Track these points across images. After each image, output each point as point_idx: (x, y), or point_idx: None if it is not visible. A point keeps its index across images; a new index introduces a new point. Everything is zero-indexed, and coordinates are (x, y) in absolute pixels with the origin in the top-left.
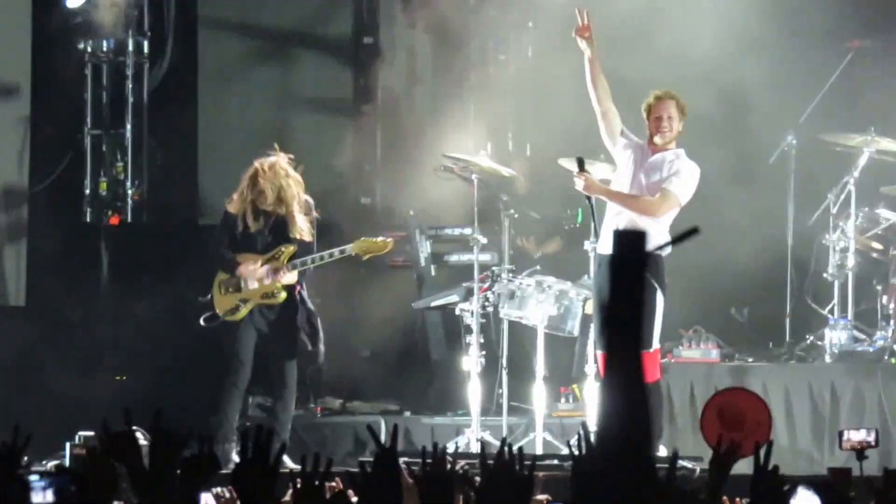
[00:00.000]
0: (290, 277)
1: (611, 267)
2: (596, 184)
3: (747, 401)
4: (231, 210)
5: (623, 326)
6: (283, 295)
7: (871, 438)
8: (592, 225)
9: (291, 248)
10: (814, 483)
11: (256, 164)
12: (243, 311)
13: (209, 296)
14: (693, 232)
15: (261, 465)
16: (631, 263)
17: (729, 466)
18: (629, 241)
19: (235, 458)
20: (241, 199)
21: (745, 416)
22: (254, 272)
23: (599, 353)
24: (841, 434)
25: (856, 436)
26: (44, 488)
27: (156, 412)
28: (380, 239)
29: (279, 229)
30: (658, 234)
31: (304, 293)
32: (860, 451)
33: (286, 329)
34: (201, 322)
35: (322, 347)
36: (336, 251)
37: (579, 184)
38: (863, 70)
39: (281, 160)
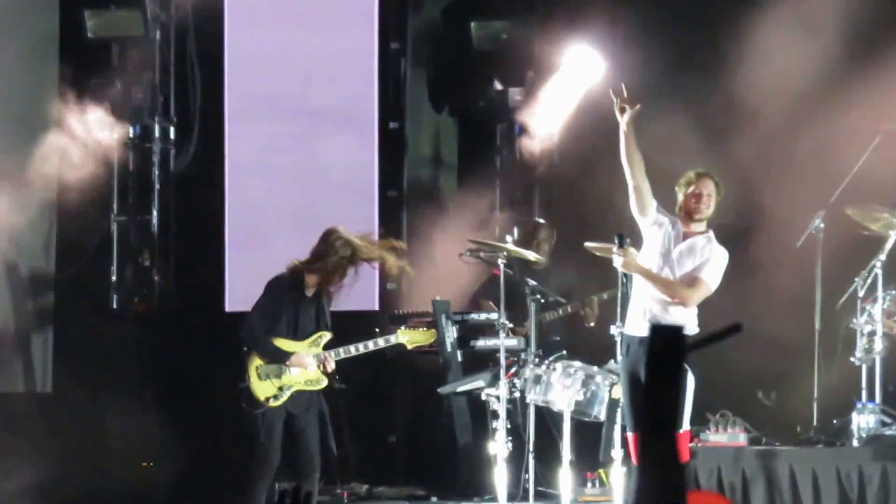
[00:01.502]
0: (331, 365)
1: (648, 364)
2: (635, 261)
3: (702, 500)
4: (308, 291)
5: (661, 420)
6: (325, 382)
7: None
8: (619, 306)
9: (329, 335)
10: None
11: (357, 238)
12: (284, 398)
13: (246, 383)
14: (735, 329)
15: None
16: (669, 359)
17: None
18: (667, 337)
19: None
20: (327, 275)
21: None
22: (302, 360)
23: (630, 434)
24: None
25: None
26: None
27: None
28: (424, 329)
29: (320, 313)
30: (687, 313)
31: None
32: None
33: (313, 414)
34: (245, 408)
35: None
36: (381, 340)
37: (618, 261)
38: (891, 152)
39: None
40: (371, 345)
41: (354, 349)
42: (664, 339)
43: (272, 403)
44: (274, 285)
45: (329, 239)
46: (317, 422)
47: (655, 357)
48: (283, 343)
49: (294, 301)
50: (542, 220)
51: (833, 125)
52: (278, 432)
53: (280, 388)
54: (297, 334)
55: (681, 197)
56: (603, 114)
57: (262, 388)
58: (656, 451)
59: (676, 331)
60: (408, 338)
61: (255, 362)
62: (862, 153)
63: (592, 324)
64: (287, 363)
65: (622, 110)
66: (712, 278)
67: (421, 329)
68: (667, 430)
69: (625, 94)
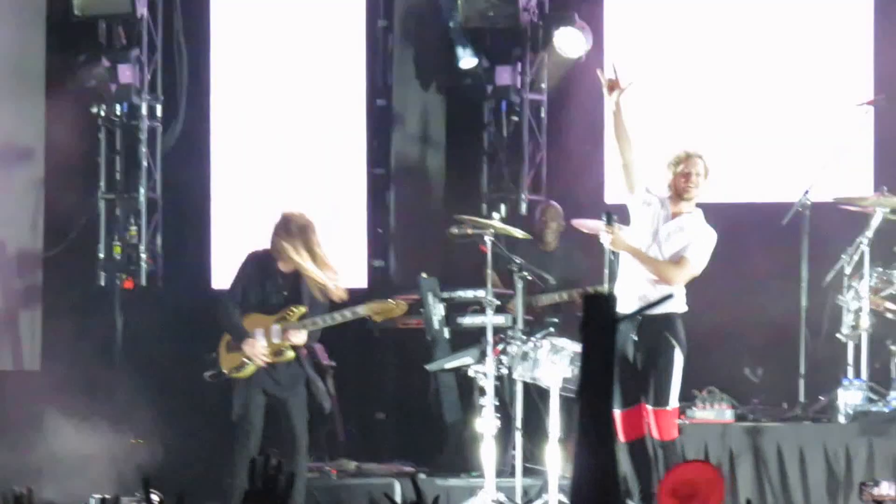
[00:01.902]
0: (300, 337)
1: (582, 330)
2: (623, 240)
3: (691, 470)
4: (283, 267)
5: (596, 389)
6: (291, 354)
7: (893, 492)
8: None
9: (302, 309)
10: None
11: (306, 216)
12: (249, 370)
13: (215, 354)
14: (665, 298)
15: (269, 496)
16: (602, 326)
17: None
18: (600, 305)
19: None
20: (294, 253)
21: (695, 483)
22: (264, 331)
23: (617, 411)
24: (862, 486)
25: (877, 489)
26: None
27: (144, 482)
28: (392, 301)
29: (295, 288)
30: (675, 297)
31: (319, 356)
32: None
33: (295, 390)
34: (206, 377)
35: (326, 405)
36: (348, 312)
37: (606, 238)
38: (877, 127)
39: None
40: (338, 317)
41: (322, 321)
42: (597, 306)
43: (235, 374)
44: (248, 260)
45: (281, 222)
46: (303, 401)
47: (588, 326)
48: (253, 317)
49: (268, 276)
50: (552, 202)
51: (816, 100)
52: (255, 410)
53: (244, 361)
54: (267, 309)
55: (670, 176)
56: (593, 90)
57: (228, 359)
58: (589, 424)
59: (609, 298)
60: (377, 309)
61: (227, 335)
62: (846, 128)
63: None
64: (245, 343)
65: (611, 89)
66: (699, 258)
67: (387, 301)
68: (603, 402)
69: (615, 73)
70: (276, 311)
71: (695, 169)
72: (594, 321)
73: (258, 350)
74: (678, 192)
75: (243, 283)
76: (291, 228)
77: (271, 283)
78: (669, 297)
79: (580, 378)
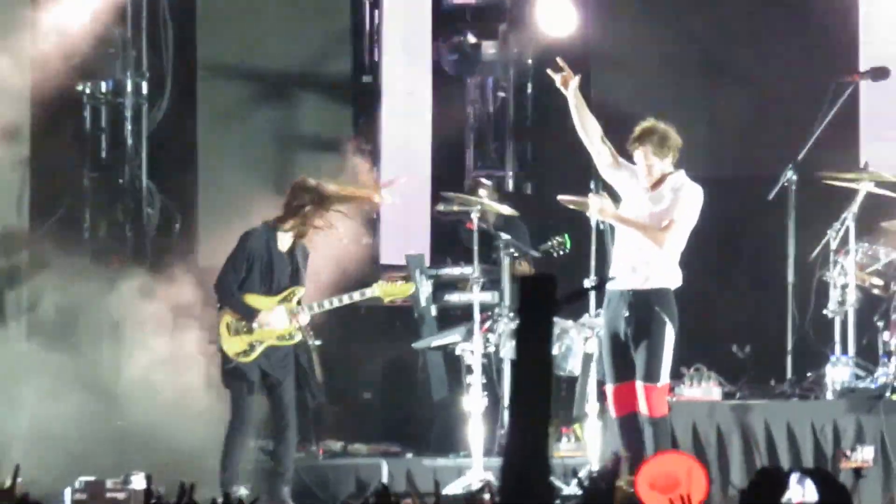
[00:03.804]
0: (304, 319)
1: (520, 311)
2: (611, 208)
3: (666, 461)
4: (283, 246)
5: (531, 372)
6: (300, 336)
7: (870, 458)
8: (592, 260)
9: (303, 290)
10: (806, 470)
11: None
12: (257, 353)
13: (219, 339)
14: (606, 281)
15: None
16: (540, 308)
17: None
18: (537, 287)
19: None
20: (300, 226)
21: (674, 474)
22: (271, 315)
23: (609, 386)
24: (838, 454)
25: (853, 456)
26: None
27: (147, 479)
28: (400, 283)
29: (294, 269)
30: (669, 263)
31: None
32: (858, 471)
33: (288, 370)
34: (225, 369)
35: (313, 385)
36: (356, 294)
37: (594, 205)
38: (862, 104)
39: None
40: (346, 298)
41: (329, 303)
42: (535, 288)
43: (242, 359)
44: (246, 239)
45: (296, 188)
46: (293, 380)
47: (526, 308)
48: (254, 298)
49: (267, 255)
50: (482, 179)
51: (803, 75)
52: (252, 389)
53: (251, 344)
54: (270, 289)
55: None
56: (580, 66)
57: (232, 343)
58: (524, 406)
59: (548, 279)
60: (384, 291)
61: (226, 318)
62: (831, 105)
63: None
64: (256, 319)
65: (564, 84)
66: (686, 217)
67: (397, 282)
68: (537, 383)
69: (564, 68)
70: (278, 292)
71: (645, 160)
72: (531, 303)
73: (271, 332)
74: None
75: (243, 263)
76: (302, 191)
77: (272, 262)
78: (611, 279)
79: (516, 357)
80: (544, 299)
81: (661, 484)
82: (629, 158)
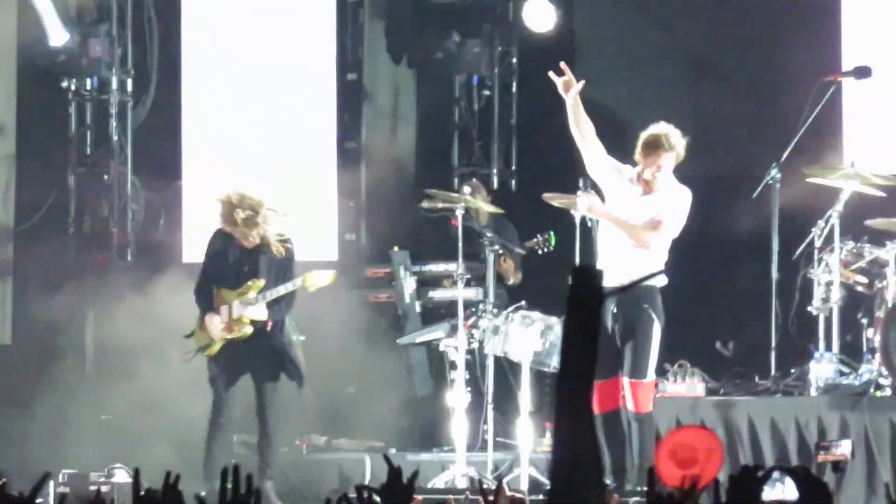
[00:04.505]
0: (256, 311)
1: (568, 304)
2: (599, 206)
3: (693, 435)
4: (247, 243)
5: (578, 364)
6: (249, 330)
7: (847, 452)
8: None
9: (260, 283)
10: (787, 469)
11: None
12: (216, 347)
13: (192, 332)
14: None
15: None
16: (588, 300)
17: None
18: (587, 279)
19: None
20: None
21: (696, 450)
22: (227, 307)
23: (596, 383)
24: (818, 447)
25: (831, 449)
26: None
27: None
28: (324, 272)
29: (254, 263)
30: (656, 264)
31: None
32: (836, 465)
33: (265, 365)
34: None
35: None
36: (290, 284)
37: (583, 203)
38: (845, 102)
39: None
40: (281, 289)
41: (270, 294)
42: (584, 280)
43: (205, 352)
44: (214, 236)
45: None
46: (275, 375)
47: (574, 300)
48: (220, 293)
49: (232, 251)
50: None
51: (786, 74)
52: (226, 384)
53: (211, 339)
54: (232, 284)
55: (639, 161)
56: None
57: (200, 336)
58: (572, 399)
59: (596, 273)
60: (311, 280)
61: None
62: (814, 104)
63: (511, 281)
64: (207, 314)
65: (566, 88)
66: (675, 220)
67: (320, 270)
68: (583, 376)
69: (567, 74)
70: (239, 287)
71: (661, 162)
72: (580, 295)
73: (216, 326)
74: (647, 182)
75: (211, 260)
76: (224, 214)
77: (233, 258)
78: (661, 272)
79: (561, 351)
80: (593, 291)
81: (681, 456)
82: (619, 158)
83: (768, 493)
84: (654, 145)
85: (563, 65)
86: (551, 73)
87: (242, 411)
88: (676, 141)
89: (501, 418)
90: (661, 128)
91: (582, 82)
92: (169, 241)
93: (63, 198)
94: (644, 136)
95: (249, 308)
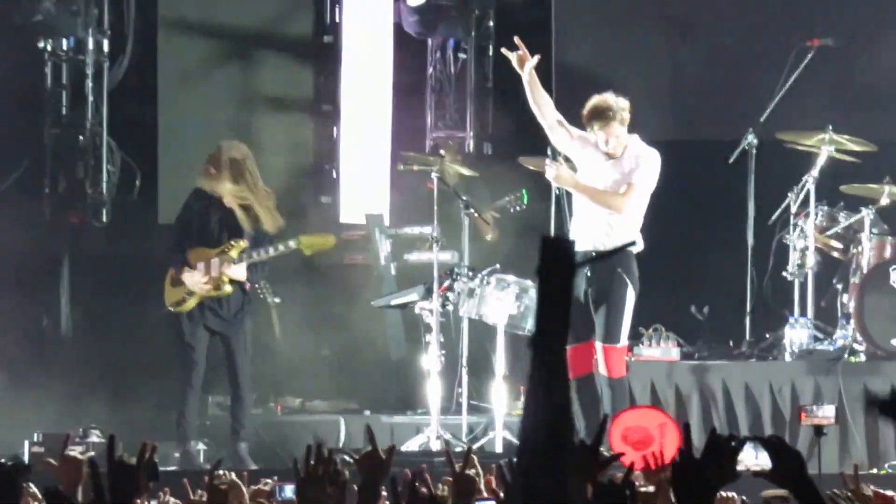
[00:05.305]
0: (237, 271)
1: (539, 274)
2: (567, 174)
3: (638, 415)
4: (227, 201)
5: (551, 330)
6: (229, 288)
7: (831, 416)
8: (552, 223)
9: (243, 243)
10: (760, 439)
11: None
12: (190, 304)
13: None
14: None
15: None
16: (558, 271)
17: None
18: (556, 250)
19: (201, 458)
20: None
21: (645, 429)
22: (204, 265)
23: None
24: (801, 410)
25: (815, 412)
26: None
27: (110, 439)
28: (322, 235)
29: (236, 222)
30: (630, 228)
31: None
32: (819, 428)
33: (238, 325)
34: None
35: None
36: (281, 246)
37: (551, 171)
38: (823, 69)
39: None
40: (272, 250)
41: (257, 254)
42: (554, 249)
43: (177, 308)
44: (192, 194)
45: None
46: (247, 337)
47: (545, 269)
48: (197, 251)
49: (210, 209)
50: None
51: (764, 38)
52: (198, 345)
53: (185, 296)
54: (211, 243)
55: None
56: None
57: (171, 294)
58: (545, 366)
59: (566, 242)
60: (308, 242)
61: (171, 270)
62: (792, 69)
63: (490, 236)
64: (184, 270)
65: (521, 63)
66: (645, 182)
67: (322, 235)
68: (558, 343)
69: (520, 47)
70: (218, 245)
71: (605, 136)
72: (552, 264)
73: (197, 282)
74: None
75: (188, 217)
76: (221, 161)
77: (214, 216)
78: (632, 243)
79: (535, 318)
80: (564, 261)
81: (634, 438)
82: (581, 127)
83: (743, 460)
84: (601, 117)
85: (516, 39)
86: (504, 49)
87: (213, 372)
88: (619, 107)
89: (476, 381)
90: (601, 101)
91: (537, 57)
92: (145, 202)
93: (38, 159)
94: (586, 112)
95: (232, 267)
